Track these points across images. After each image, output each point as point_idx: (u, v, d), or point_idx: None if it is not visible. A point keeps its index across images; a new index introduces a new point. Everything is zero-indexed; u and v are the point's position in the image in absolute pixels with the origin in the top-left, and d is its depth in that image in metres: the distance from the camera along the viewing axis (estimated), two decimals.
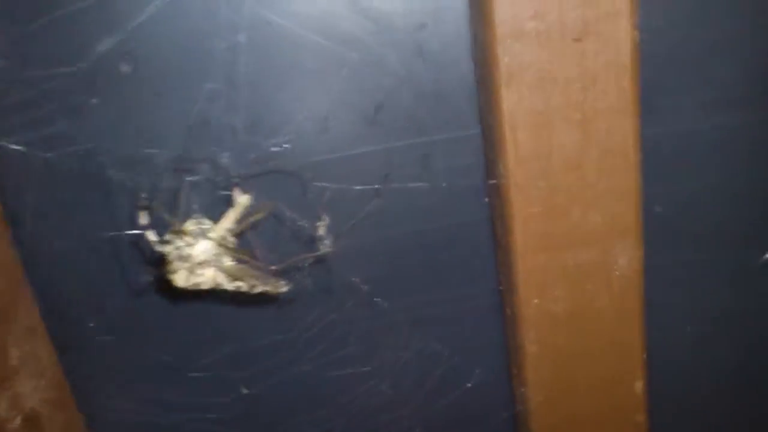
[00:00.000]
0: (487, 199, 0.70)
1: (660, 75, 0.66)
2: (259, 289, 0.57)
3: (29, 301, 0.70)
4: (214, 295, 0.58)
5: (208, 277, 0.56)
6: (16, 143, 0.60)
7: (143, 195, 0.57)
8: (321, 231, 0.59)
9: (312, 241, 0.60)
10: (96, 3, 0.57)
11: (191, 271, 0.55)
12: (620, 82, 0.59)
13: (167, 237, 0.55)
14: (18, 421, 0.67)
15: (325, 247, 0.59)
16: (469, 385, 0.76)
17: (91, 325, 0.69)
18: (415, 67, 0.65)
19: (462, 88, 0.66)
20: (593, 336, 0.69)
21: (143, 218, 0.56)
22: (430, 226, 0.71)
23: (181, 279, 0.55)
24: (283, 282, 0.58)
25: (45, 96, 0.59)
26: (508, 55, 0.58)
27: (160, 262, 0.56)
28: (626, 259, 0.66)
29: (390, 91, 0.65)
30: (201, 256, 0.55)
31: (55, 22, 0.58)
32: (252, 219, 0.56)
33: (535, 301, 0.67)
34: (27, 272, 0.68)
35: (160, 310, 0.71)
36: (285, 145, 0.62)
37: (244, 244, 0.58)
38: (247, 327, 0.72)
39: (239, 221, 0.57)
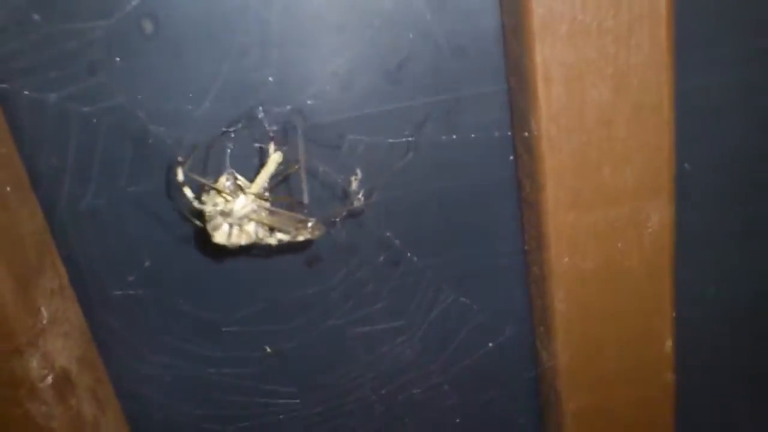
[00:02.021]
0: (512, 157, 0.69)
1: (692, 26, 0.64)
2: (299, 237, 0.57)
3: (57, 260, 0.70)
4: (247, 251, 0.58)
5: (248, 232, 0.56)
6: (51, 97, 0.59)
7: (180, 151, 0.57)
8: (354, 186, 0.59)
9: (345, 196, 0.60)
10: None
11: (232, 225, 0.55)
12: (655, 34, 0.58)
13: (204, 194, 0.55)
14: (50, 379, 0.67)
15: (358, 201, 0.59)
16: (494, 343, 0.76)
17: (131, 279, 0.69)
18: (439, 21, 0.64)
19: (487, 43, 0.65)
20: (623, 294, 0.69)
21: (180, 174, 0.56)
22: (455, 183, 0.70)
23: (221, 236, 0.55)
24: (321, 225, 0.57)
25: (82, 50, 0.59)
26: (542, 6, 0.57)
27: (197, 218, 0.56)
28: (658, 216, 0.66)
29: (413, 46, 0.64)
30: (241, 210, 0.55)
31: None
32: (285, 172, 0.56)
33: (566, 259, 0.66)
34: (57, 230, 0.68)
35: (195, 267, 0.72)
36: (315, 100, 0.61)
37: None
38: (279, 282, 0.73)
39: (273, 176, 0.56)
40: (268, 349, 0.75)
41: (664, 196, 0.65)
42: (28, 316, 0.66)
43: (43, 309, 0.68)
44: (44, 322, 0.67)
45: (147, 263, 0.69)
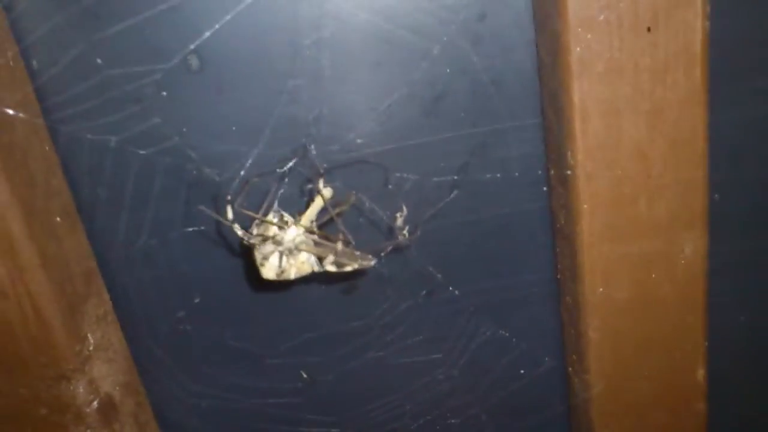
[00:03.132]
0: (545, 188, 0.71)
1: (726, 61, 0.66)
2: (347, 267, 0.59)
3: (102, 288, 0.72)
4: (293, 286, 0.60)
5: (297, 263, 0.57)
6: (111, 140, 0.62)
7: (231, 190, 0.59)
8: (399, 221, 0.60)
9: (390, 231, 0.61)
10: (183, 3, 0.59)
11: (282, 255, 0.56)
12: (690, 72, 0.60)
13: (254, 231, 0.57)
14: (95, 404, 0.69)
15: (403, 237, 0.60)
16: (529, 372, 0.77)
17: (180, 315, 0.71)
18: (475, 57, 0.65)
19: (521, 78, 0.67)
20: (656, 324, 0.70)
21: (230, 212, 0.58)
22: (492, 214, 0.72)
23: (270, 268, 0.57)
24: (370, 256, 0.59)
25: (140, 93, 0.61)
26: (580, 45, 0.58)
27: (246, 254, 0.58)
28: (691, 248, 0.67)
29: (449, 81, 0.66)
30: (292, 239, 0.57)
31: (150, 20, 0.60)
32: (335, 211, 0.57)
33: (600, 289, 0.68)
34: (112, 266, 0.71)
35: (242, 302, 0.74)
36: (362, 138, 0.63)
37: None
38: (324, 315, 0.74)
39: (323, 213, 0.58)
40: (304, 375, 0.76)
41: (697, 228, 0.66)
42: (75, 343, 0.68)
43: (89, 335, 0.69)
44: (90, 348, 0.69)
45: (197, 300, 0.70)
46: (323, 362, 0.74)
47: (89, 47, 0.59)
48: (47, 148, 0.66)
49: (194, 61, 0.63)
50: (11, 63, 0.60)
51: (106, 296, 0.74)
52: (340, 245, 0.57)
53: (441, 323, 0.74)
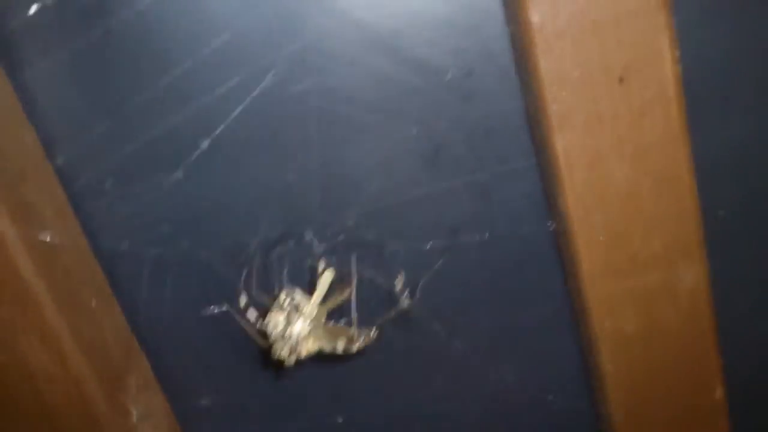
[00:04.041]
0: (550, 223, 0.74)
1: (702, 89, 0.68)
2: (354, 347, 0.63)
3: (141, 360, 0.77)
4: (311, 362, 0.64)
5: (307, 349, 0.62)
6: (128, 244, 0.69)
7: (241, 279, 0.64)
8: (398, 287, 0.64)
9: (390, 296, 0.65)
10: (189, 113, 0.64)
11: (293, 347, 0.61)
12: (667, 114, 0.62)
13: (267, 316, 0.61)
14: None
15: (404, 301, 0.64)
16: (552, 403, 0.79)
17: (204, 402, 0.76)
18: (466, 109, 0.69)
19: (514, 124, 0.70)
20: (668, 352, 0.72)
21: (242, 300, 0.63)
22: (498, 256, 0.74)
23: (283, 355, 0.62)
24: (373, 330, 0.63)
25: (152, 204, 0.67)
26: (556, 102, 0.61)
27: (262, 336, 0.63)
28: (691, 275, 0.69)
29: (445, 134, 0.69)
30: (299, 333, 0.61)
31: (157, 137, 0.65)
32: (339, 300, 0.63)
33: (607, 323, 0.70)
34: (150, 349, 0.76)
35: (263, 381, 0.79)
36: (360, 217, 0.67)
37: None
38: (342, 379, 0.78)
39: (327, 294, 0.63)
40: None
41: (694, 257, 0.68)
42: (119, 417, 0.72)
43: (132, 408, 0.74)
44: (134, 420, 0.74)
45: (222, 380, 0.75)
46: (344, 417, 0.79)
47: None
48: (79, 239, 0.71)
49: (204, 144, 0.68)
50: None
51: (146, 365, 0.78)
52: (343, 342, 0.61)
53: (453, 374, 0.77)
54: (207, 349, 0.77)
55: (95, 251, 0.73)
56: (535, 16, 0.59)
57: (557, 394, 0.80)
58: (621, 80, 0.61)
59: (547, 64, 0.60)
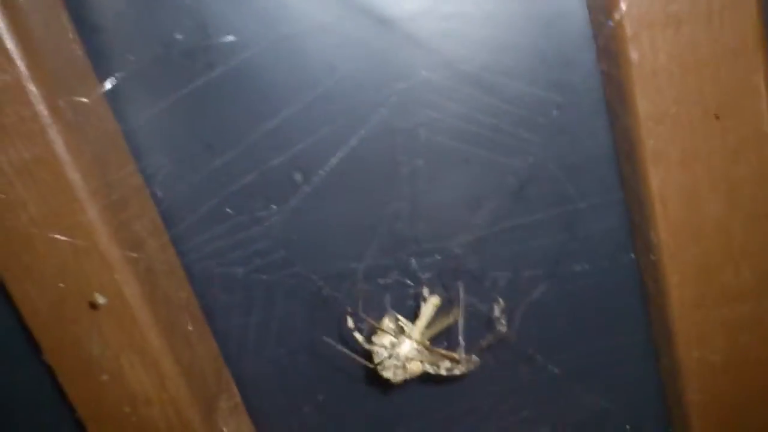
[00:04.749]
0: (633, 255, 0.75)
1: None
2: (457, 371, 0.65)
3: (231, 381, 0.80)
4: (407, 383, 0.66)
5: (411, 370, 0.64)
6: (238, 271, 0.71)
7: (348, 302, 0.66)
8: (497, 313, 0.66)
9: (489, 321, 0.67)
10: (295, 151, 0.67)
11: (400, 367, 0.63)
12: (761, 151, 0.63)
13: (373, 338, 0.63)
14: None
15: (502, 326, 0.66)
16: None
17: (305, 409, 0.78)
18: (555, 144, 0.70)
19: (600, 158, 0.72)
20: (756, 382, 0.73)
21: (350, 322, 0.65)
22: (583, 289, 0.76)
23: (389, 373, 0.64)
24: (474, 358, 0.65)
25: (263, 232, 0.70)
26: (652, 138, 0.63)
27: (368, 358, 0.65)
28: None
29: (533, 168, 0.71)
30: (406, 354, 0.63)
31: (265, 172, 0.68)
32: (445, 324, 0.65)
33: (695, 353, 0.71)
34: (245, 375, 0.79)
35: (361, 399, 0.81)
36: (460, 248, 0.69)
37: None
38: (435, 401, 0.80)
39: (433, 320, 0.64)
40: None
41: None
42: None
43: (224, 429, 0.77)
44: None
45: (320, 397, 0.77)
46: None
47: (221, 199, 0.67)
48: (176, 266, 0.74)
49: (298, 177, 0.70)
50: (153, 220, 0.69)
51: (235, 389, 0.81)
52: (448, 365, 0.63)
53: (544, 398, 0.78)
54: (293, 376, 0.79)
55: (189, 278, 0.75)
56: (635, 54, 0.60)
57: (636, 424, 0.80)
58: (717, 117, 0.62)
59: (645, 100, 0.62)
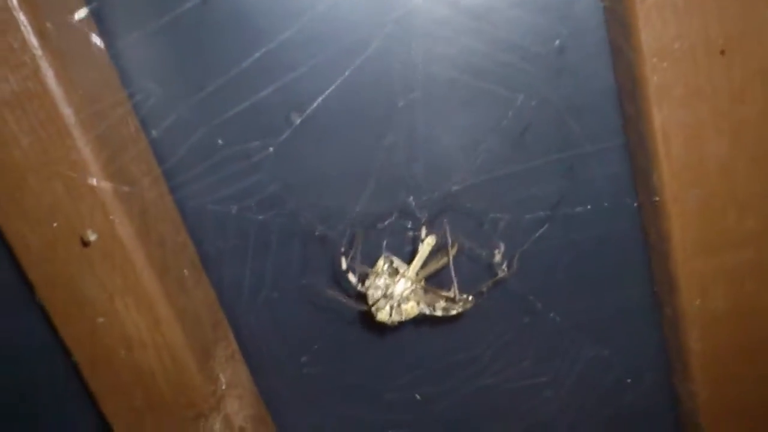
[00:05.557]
0: (636, 204, 0.73)
1: None
2: (452, 311, 0.64)
3: (228, 330, 0.79)
4: (403, 326, 0.65)
5: (406, 310, 0.63)
6: (232, 209, 0.70)
7: (342, 243, 0.65)
8: (497, 258, 0.65)
9: (489, 267, 0.66)
10: (287, 81, 0.65)
11: (394, 306, 0.62)
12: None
13: (367, 279, 0.62)
14: None
15: (502, 271, 0.65)
16: (634, 386, 0.79)
17: (303, 359, 0.78)
18: (558, 87, 0.69)
19: (603, 102, 0.70)
20: (757, 330, 0.71)
21: (344, 263, 0.64)
22: (585, 236, 0.75)
23: (383, 315, 0.63)
24: (470, 298, 0.64)
25: (257, 166, 0.68)
26: (656, 75, 0.61)
27: (361, 300, 0.64)
28: None
29: (536, 111, 0.70)
30: (401, 292, 0.62)
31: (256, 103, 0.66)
32: (439, 265, 0.64)
33: (697, 302, 0.70)
34: (239, 319, 0.79)
35: (358, 344, 0.80)
36: (458, 183, 0.68)
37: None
38: (435, 350, 0.80)
39: (428, 259, 0.63)
40: (418, 397, 0.81)
41: None
42: (210, 384, 0.74)
43: (221, 376, 0.76)
44: (223, 387, 0.76)
45: (316, 346, 0.77)
46: (436, 393, 0.79)
47: (210, 130, 0.66)
48: (172, 210, 0.73)
49: (292, 112, 0.69)
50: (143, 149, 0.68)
51: (232, 337, 0.80)
52: (443, 304, 0.62)
53: (545, 347, 0.77)
54: (289, 322, 0.78)
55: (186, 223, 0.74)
56: None
57: (636, 374, 0.79)
58: (722, 53, 0.60)
59: (648, 35, 0.60)
